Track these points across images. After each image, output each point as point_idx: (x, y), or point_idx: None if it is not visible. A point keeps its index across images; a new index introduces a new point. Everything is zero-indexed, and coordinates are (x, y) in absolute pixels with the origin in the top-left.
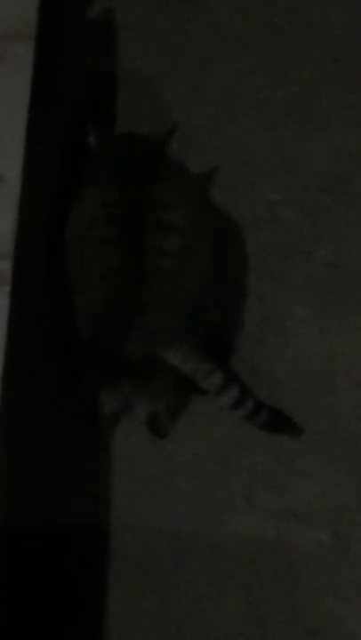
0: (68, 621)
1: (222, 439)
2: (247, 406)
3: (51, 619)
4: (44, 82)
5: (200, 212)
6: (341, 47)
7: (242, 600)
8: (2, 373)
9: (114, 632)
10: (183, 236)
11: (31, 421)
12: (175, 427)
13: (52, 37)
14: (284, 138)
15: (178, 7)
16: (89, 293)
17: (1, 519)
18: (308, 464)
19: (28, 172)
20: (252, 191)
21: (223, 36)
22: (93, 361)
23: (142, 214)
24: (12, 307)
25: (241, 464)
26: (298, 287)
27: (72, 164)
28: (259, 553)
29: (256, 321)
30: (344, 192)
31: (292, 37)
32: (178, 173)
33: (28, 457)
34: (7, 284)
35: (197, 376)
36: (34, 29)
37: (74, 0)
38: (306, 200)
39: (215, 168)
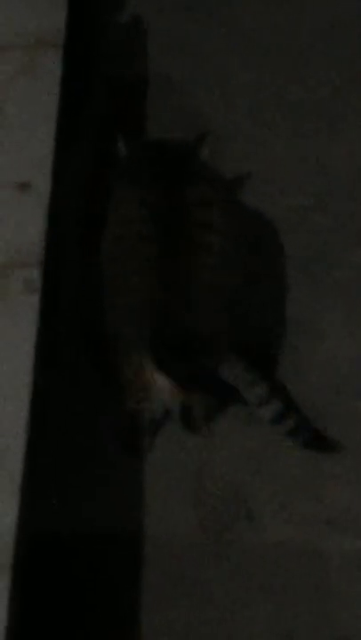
0: (97, 627)
1: (256, 445)
2: (287, 423)
3: (80, 625)
4: (75, 89)
5: (235, 214)
6: None
7: (273, 608)
8: (32, 381)
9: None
10: (222, 236)
11: (67, 429)
12: (211, 429)
13: (81, 45)
14: (314, 142)
15: (205, 13)
16: (131, 293)
17: (30, 526)
18: (343, 470)
19: (56, 181)
20: (282, 196)
21: (251, 40)
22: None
23: (182, 213)
24: (42, 314)
25: (275, 470)
26: (329, 291)
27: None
28: (291, 560)
29: (288, 325)
30: None
31: (320, 39)
32: (212, 176)
33: (61, 463)
34: (37, 292)
35: (240, 385)
36: (62, 38)
37: (103, 7)
38: (336, 204)
39: (247, 174)
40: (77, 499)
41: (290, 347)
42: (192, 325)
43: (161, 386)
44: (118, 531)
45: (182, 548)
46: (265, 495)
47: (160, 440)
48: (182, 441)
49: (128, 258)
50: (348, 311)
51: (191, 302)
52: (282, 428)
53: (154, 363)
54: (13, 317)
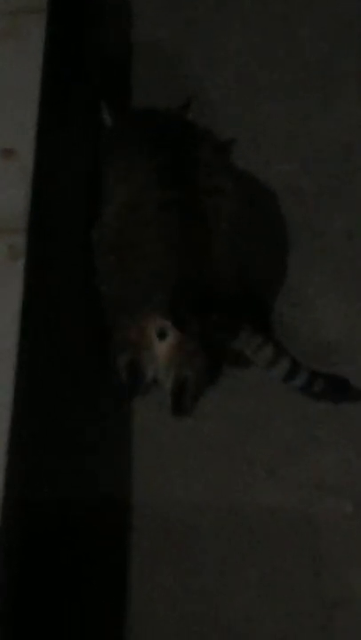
0: (87, 595)
1: (244, 412)
2: (301, 376)
3: (70, 592)
4: (62, 58)
5: (237, 177)
6: (357, 14)
7: (263, 573)
8: (17, 349)
9: (134, 606)
10: (231, 200)
11: (51, 397)
12: (193, 408)
13: (65, 12)
14: (300, 108)
15: None
16: (149, 259)
17: (21, 492)
18: (330, 435)
19: (40, 147)
20: (268, 162)
21: (238, 6)
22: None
23: (193, 178)
24: (26, 281)
25: (263, 436)
26: (316, 257)
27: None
28: (281, 524)
29: (275, 291)
30: None
31: (307, 6)
32: (213, 139)
33: (49, 430)
34: (22, 258)
35: (249, 350)
36: (45, 2)
37: None
38: (322, 170)
39: (232, 140)
40: (67, 466)
41: (277, 313)
42: (211, 289)
43: (161, 351)
44: (108, 498)
45: (171, 513)
46: (254, 460)
47: (150, 407)
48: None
49: (144, 225)
50: (334, 277)
51: (211, 265)
52: (297, 382)
53: (174, 320)
54: None
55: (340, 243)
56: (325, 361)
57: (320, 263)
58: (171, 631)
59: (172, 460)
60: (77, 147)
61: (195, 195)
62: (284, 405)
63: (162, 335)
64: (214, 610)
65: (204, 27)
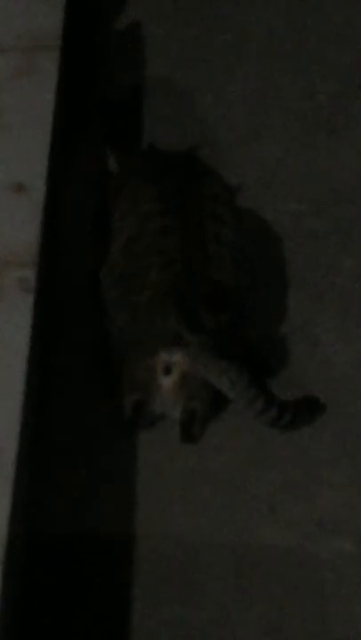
0: (89, 630)
1: (248, 449)
2: (284, 421)
3: (72, 627)
4: (74, 95)
5: (240, 213)
6: None
7: (266, 610)
8: (25, 383)
9: None
10: (233, 231)
11: (56, 431)
12: (202, 437)
13: (79, 50)
14: (311, 148)
15: (205, 19)
16: (150, 287)
17: (25, 525)
18: (333, 473)
19: (51, 182)
20: (278, 202)
21: (250, 47)
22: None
23: (197, 207)
24: (36, 315)
25: (266, 474)
26: (323, 297)
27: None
28: (283, 562)
29: (282, 331)
30: None
31: (319, 47)
32: (218, 177)
33: (53, 464)
34: (32, 294)
35: (243, 401)
36: (59, 40)
37: (100, 12)
38: (332, 210)
39: (240, 183)
40: (70, 500)
41: (285, 351)
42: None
43: (168, 386)
44: (111, 533)
45: (174, 549)
46: (255, 497)
47: (155, 442)
48: (175, 443)
49: (145, 253)
50: (342, 316)
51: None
52: (279, 425)
53: (184, 328)
54: (8, 317)
55: (348, 283)
56: (332, 397)
57: (329, 302)
58: None
59: (175, 495)
60: (88, 182)
61: (196, 222)
62: (286, 442)
63: (167, 370)
64: None
65: (215, 66)
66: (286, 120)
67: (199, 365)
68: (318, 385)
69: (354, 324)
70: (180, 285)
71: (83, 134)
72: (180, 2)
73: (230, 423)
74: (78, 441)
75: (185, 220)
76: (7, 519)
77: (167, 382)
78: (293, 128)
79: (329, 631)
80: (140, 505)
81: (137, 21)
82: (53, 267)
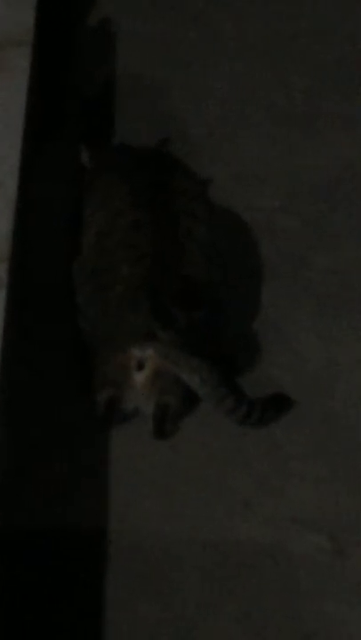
0: (63, 626)
1: (222, 445)
2: (253, 418)
3: (47, 623)
4: (46, 91)
5: (212, 208)
6: (343, 53)
7: (241, 605)
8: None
9: (111, 638)
10: (204, 225)
11: (29, 426)
12: (176, 432)
13: (51, 45)
14: (285, 145)
15: (179, 15)
16: (122, 282)
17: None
18: (307, 469)
19: (23, 179)
20: (252, 198)
21: (224, 44)
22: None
23: (168, 202)
24: (8, 310)
25: (240, 470)
26: (297, 293)
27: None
28: (258, 558)
29: (255, 327)
30: (344, 199)
31: (294, 44)
32: (186, 170)
33: (26, 460)
34: (3, 288)
35: (212, 400)
36: (31, 36)
37: (72, 7)
38: (305, 207)
39: (209, 179)
40: (44, 496)
41: (257, 348)
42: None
43: (140, 382)
44: (85, 529)
45: (148, 545)
46: (230, 493)
47: (129, 438)
48: (148, 438)
49: (117, 248)
50: (316, 312)
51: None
52: (249, 423)
53: (159, 320)
54: None
55: (322, 279)
56: (305, 393)
57: (302, 297)
58: None
59: (149, 491)
60: (61, 178)
61: (167, 217)
62: (261, 438)
63: (140, 366)
64: None
65: (188, 63)
66: (260, 116)
67: (170, 362)
68: (292, 381)
69: (327, 319)
70: (152, 280)
71: (57, 131)
72: None
73: (206, 419)
74: (55, 436)
75: (156, 214)
76: None
77: (140, 378)
78: (267, 124)
79: (302, 626)
80: (113, 501)
81: (109, 17)
82: (24, 262)
